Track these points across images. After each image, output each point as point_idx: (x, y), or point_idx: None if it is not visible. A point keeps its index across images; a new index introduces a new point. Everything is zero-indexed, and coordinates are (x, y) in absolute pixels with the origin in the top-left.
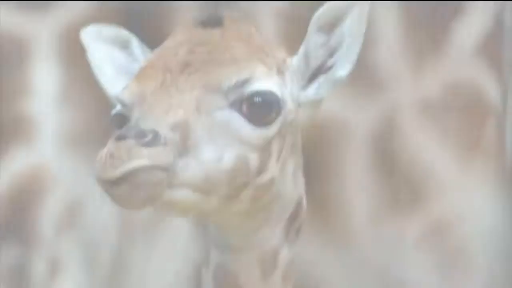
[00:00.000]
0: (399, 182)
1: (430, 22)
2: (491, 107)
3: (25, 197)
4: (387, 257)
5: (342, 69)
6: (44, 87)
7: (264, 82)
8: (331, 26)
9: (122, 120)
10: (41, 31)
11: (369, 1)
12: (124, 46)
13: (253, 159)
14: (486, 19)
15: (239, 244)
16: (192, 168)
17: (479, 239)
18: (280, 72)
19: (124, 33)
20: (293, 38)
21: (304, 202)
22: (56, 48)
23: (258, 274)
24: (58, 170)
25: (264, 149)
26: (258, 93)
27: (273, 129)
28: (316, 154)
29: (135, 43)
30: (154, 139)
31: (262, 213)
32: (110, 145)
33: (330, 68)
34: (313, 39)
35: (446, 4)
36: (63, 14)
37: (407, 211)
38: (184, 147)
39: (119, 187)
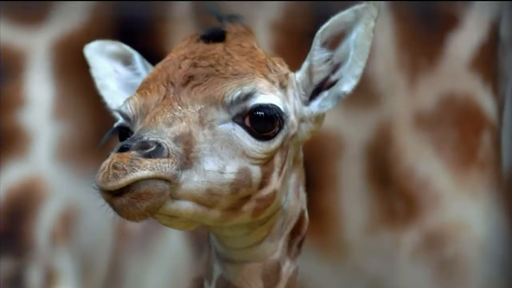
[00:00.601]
0: (394, 194)
1: (425, 35)
2: (486, 119)
3: (20, 208)
4: (382, 268)
5: (347, 84)
6: (38, 100)
7: (267, 96)
8: (335, 41)
9: (124, 132)
10: (36, 44)
11: (375, 17)
12: (126, 61)
13: (256, 172)
14: (481, 32)
15: (242, 257)
16: (194, 180)
17: (475, 250)
18: (283, 86)
19: (126, 48)
20: (288, 51)
21: (306, 216)
22: (51, 61)
23: (261, 287)
24: (53, 181)
25: (267, 162)
26: (261, 107)
27: (275, 142)
28: (312, 166)
29: (137, 59)
30: (157, 150)
31: (265, 226)
32: (113, 156)
33: (333, 83)
34: (317, 54)
35: (441, 17)
36: (57, 27)
37: (403, 223)
38: (187, 159)
39: (121, 197)
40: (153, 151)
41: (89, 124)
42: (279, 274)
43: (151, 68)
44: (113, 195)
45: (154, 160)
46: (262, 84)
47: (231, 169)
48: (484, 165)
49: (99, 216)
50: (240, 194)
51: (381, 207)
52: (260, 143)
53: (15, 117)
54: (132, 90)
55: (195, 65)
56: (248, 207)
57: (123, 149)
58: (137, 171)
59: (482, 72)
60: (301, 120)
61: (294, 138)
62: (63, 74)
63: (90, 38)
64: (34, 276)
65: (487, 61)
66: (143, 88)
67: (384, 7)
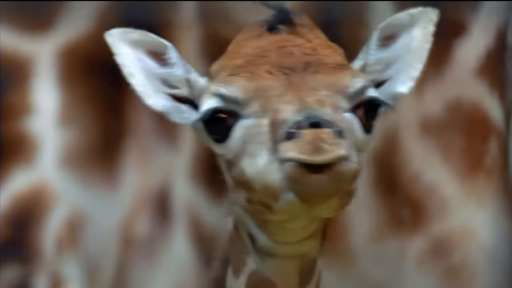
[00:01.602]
0: (401, 201)
1: (431, 42)
2: (493, 126)
3: (27, 215)
4: (388, 275)
5: (403, 85)
6: (45, 107)
7: (373, 89)
8: (388, 40)
9: (220, 114)
10: (42, 51)
11: (434, 21)
12: (151, 50)
13: (359, 164)
14: (488, 39)
15: (287, 252)
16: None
17: (481, 257)
18: None
19: (153, 37)
20: None
21: None
22: (57, 67)
23: (296, 283)
24: (59, 188)
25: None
26: (373, 100)
27: (372, 135)
28: None
29: (170, 48)
30: (340, 131)
31: (317, 221)
32: (312, 131)
33: (380, 83)
34: (374, 54)
35: (447, 24)
36: (63, 34)
37: (409, 229)
38: None
39: (322, 173)
40: (339, 131)
41: (96, 130)
42: (314, 271)
43: (184, 60)
44: (312, 171)
45: (345, 141)
46: (366, 77)
47: (355, 158)
48: (491, 172)
49: (105, 223)
50: (352, 185)
51: (387, 213)
52: (366, 135)
53: (21, 124)
54: (157, 80)
55: (303, 52)
56: (346, 199)
57: (316, 125)
58: (341, 149)
59: (489, 79)
60: None
61: None
62: (69, 81)
63: (96, 44)
64: (40, 283)
65: (494, 68)
66: (243, 72)
67: (391, 14)
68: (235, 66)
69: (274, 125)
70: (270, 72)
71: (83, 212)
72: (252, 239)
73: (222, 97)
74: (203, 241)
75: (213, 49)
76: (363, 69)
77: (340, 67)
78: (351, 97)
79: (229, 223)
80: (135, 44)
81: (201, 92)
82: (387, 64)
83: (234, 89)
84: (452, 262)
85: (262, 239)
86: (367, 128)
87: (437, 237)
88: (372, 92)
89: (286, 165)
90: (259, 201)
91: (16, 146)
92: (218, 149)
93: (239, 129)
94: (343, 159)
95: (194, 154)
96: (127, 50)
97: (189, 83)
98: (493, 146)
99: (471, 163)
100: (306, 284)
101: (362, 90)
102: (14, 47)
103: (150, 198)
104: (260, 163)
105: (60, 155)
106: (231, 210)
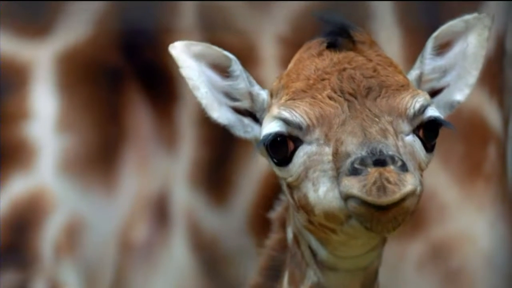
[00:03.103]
0: None
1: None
2: (492, 133)
3: (25, 221)
4: (388, 279)
5: (460, 93)
6: (43, 112)
7: (433, 108)
8: (444, 48)
9: (280, 139)
10: (40, 56)
11: (489, 27)
12: (213, 63)
13: (422, 184)
14: (488, 45)
15: (349, 266)
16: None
17: (480, 262)
18: None
19: (215, 49)
20: None
21: None
22: (55, 73)
23: None
24: (57, 194)
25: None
26: (435, 119)
27: (433, 154)
28: None
29: (234, 60)
30: (404, 165)
31: (379, 237)
32: (378, 170)
33: (437, 91)
34: (429, 63)
35: None
36: (62, 40)
37: (408, 234)
38: None
39: (388, 212)
40: (402, 165)
41: (94, 136)
42: (376, 282)
43: (245, 72)
44: (377, 210)
45: (408, 175)
46: (427, 96)
47: (418, 180)
48: (490, 178)
49: (103, 229)
50: (415, 206)
51: None
52: (427, 155)
53: (19, 129)
54: (220, 93)
55: (364, 76)
56: (408, 218)
57: (380, 163)
58: (406, 186)
59: (488, 85)
60: None
61: None
62: (67, 87)
63: (94, 50)
64: None
65: (493, 74)
66: (303, 97)
67: (392, 20)
68: (296, 90)
69: (337, 155)
70: (331, 98)
71: (81, 218)
72: (313, 253)
73: (285, 121)
74: (201, 247)
75: None
76: (419, 79)
77: (400, 88)
78: (411, 118)
79: (289, 235)
80: (199, 57)
81: (262, 106)
82: (444, 72)
83: (297, 114)
84: (451, 266)
85: (323, 253)
86: (428, 147)
87: (436, 242)
88: (431, 112)
89: (351, 201)
90: (320, 223)
91: (15, 151)
92: (279, 172)
93: (301, 155)
94: (409, 194)
95: (193, 159)
96: (192, 63)
97: (251, 96)
98: (492, 152)
99: (470, 169)
100: None
101: (422, 109)
102: (13, 53)
103: (148, 203)
104: (323, 191)
105: (59, 161)
106: (291, 223)
